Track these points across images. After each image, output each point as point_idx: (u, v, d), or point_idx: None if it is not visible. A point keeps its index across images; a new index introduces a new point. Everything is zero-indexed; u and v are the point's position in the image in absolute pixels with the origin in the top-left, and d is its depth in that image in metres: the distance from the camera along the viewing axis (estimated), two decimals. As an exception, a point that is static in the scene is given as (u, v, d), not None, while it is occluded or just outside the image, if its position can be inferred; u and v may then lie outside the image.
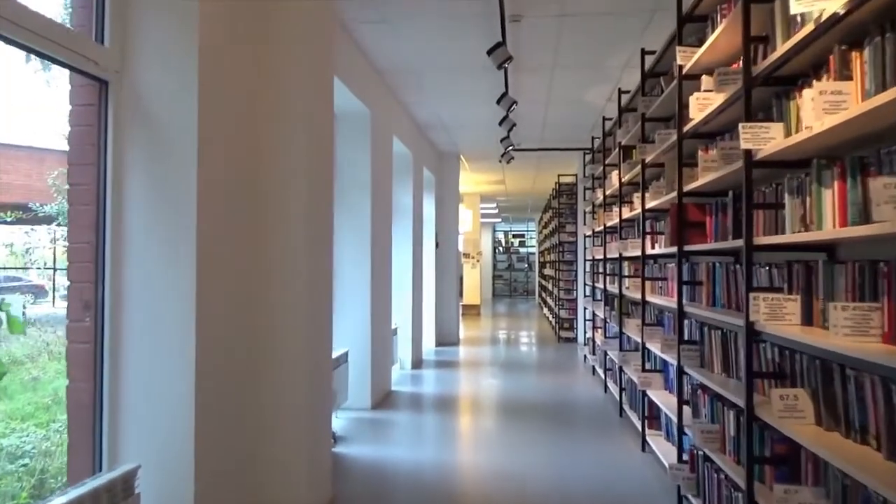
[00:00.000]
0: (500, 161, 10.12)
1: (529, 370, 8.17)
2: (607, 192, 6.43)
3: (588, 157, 8.72)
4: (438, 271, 10.27)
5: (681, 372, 3.53)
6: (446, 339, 10.46)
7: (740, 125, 2.45)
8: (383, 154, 6.37)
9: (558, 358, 9.15)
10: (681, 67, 3.51)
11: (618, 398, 5.75)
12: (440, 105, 7.34)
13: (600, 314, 7.13)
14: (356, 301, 5.75)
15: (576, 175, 10.77)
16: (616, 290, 5.92)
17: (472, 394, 6.88)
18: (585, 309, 8.54)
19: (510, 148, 7.90)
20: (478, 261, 16.76)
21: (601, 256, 7.17)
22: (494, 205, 18.24)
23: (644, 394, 4.55)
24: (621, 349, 5.61)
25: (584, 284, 8.70)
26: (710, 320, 3.36)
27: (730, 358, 3.11)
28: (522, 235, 26.60)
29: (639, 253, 4.80)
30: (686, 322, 3.63)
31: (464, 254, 16.69)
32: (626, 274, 5.64)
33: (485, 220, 23.00)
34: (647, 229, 4.66)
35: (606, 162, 6.55)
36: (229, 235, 3.05)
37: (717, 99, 3.04)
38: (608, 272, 6.68)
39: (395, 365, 7.72)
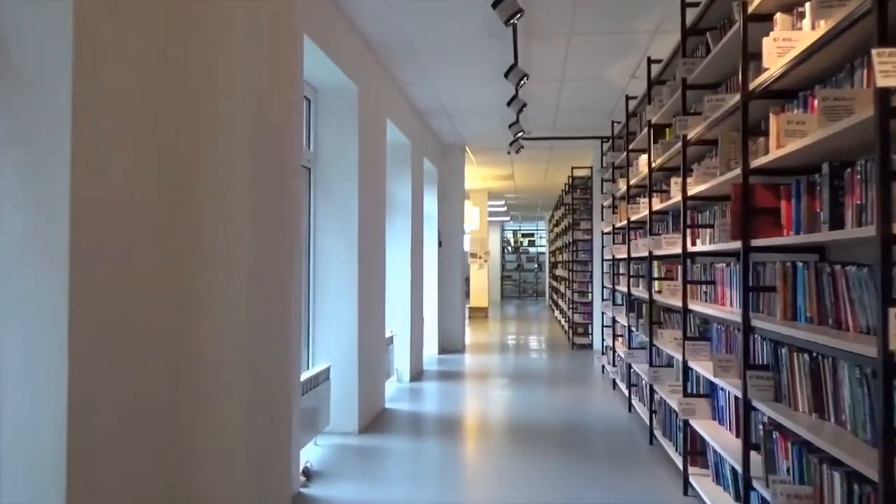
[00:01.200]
0: (509, 153, 9.28)
1: (542, 382, 7.33)
2: (632, 182, 5.59)
3: (607, 146, 7.87)
4: (442, 272, 9.45)
5: (748, 406, 2.69)
6: (451, 345, 9.63)
7: (874, 51, 1.62)
8: (374, 138, 5.55)
9: (573, 368, 8.30)
10: (745, 4, 2.67)
11: (647, 421, 4.91)
12: (441, 87, 6.52)
13: (622, 321, 6.28)
14: (341, 308, 4.94)
15: (591, 168, 9.92)
16: (644, 295, 5.08)
17: (478, 412, 6.04)
18: (603, 314, 7.71)
19: (519, 135, 7.06)
20: (485, 261, 15.92)
21: (623, 255, 6.33)
22: (503, 202, 17.40)
23: (686, 423, 3.71)
24: (651, 364, 4.77)
25: (602, 287, 7.87)
26: (791, 340, 2.52)
27: (824, 393, 2.27)
28: (532, 235, 25.73)
29: (678, 250, 3.96)
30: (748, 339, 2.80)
31: (470, 254, 15.86)
32: (658, 276, 4.79)
33: (493, 219, 22.16)
34: (690, 222, 3.82)
35: (631, 147, 5.70)
36: (132, 224, 2.24)
37: (807, 37, 2.20)
38: (633, 273, 5.83)
39: (392, 377, 6.91)
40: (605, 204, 7.68)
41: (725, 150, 3.06)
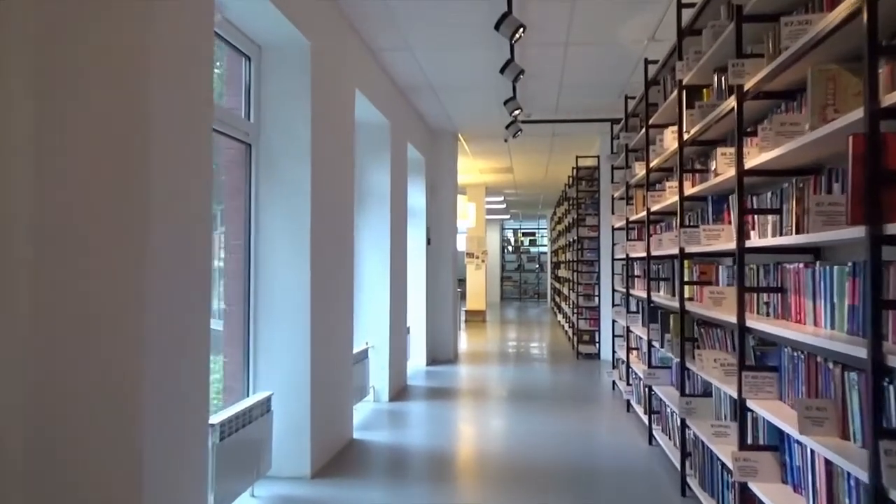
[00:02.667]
0: (506, 140, 8.27)
1: (544, 402, 6.29)
2: (653, 164, 4.56)
3: (618, 128, 6.83)
4: (431, 274, 8.42)
5: (880, 494, 1.65)
6: (441, 355, 8.61)
7: None
8: (337, 111, 4.53)
9: (579, 383, 7.27)
10: None
11: (675, 462, 3.89)
12: (424, 55, 5.50)
13: (639, 332, 5.26)
14: (289, 320, 3.91)
15: (597, 157, 8.89)
16: (670, 303, 4.06)
17: (466, 445, 5.01)
18: (614, 322, 6.69)
19: (517, 114, 6.03)
20: (483, 261, 14.89)
21: (640, 254, 5.31)
22: (502, 198, 16.37)
23: (743, 486, 2.68)
24: (683, 392, 3.73)
25: (612, 291, 6.85)
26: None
27: None
28: (533, 234, 24.71)
29: (727, 245, 2.94)
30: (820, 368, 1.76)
31: (467, 253, 14.85)
32: (692, 279, 3.77)
33: (492, 217, 21.14)
34: (749, 206, 2.80)
35: (652, 121, 4.68)
36: None
37: None
38: (654, 276, 4.81)
39: (368, 397, 5.89)
40: (616, 195, 6.65)
41: (820, 93, 2.03)
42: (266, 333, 3.90)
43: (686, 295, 3.80)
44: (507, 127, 6.79)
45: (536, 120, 7.47)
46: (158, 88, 2.28)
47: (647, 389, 4.86)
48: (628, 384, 5.76)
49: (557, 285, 14.89)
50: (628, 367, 5.74)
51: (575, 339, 9.51)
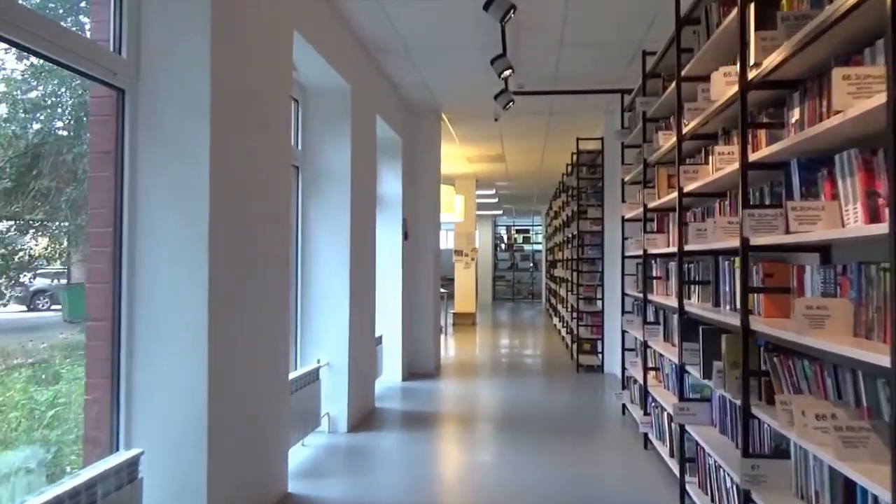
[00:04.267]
0: (496, 119, 7.12)
1: (540, 433, 5.12)
2: (689, 128, 3.40)
3: (629, 99, 5.64)
4: (409, 273, 7.25)
5: None
6: (420, 368, 7.44)
7: None
8: (257, 48, 3.34)
9: (581, 404, 6.10)
10: None
11: (729, 545, 2.73)
12: (392, 2, 4.33)
13: (661, 349, 4.11)
14: (178, 341, 2.72)
15: (601, 139, 7.72)
16: (718, 317, 2.90)
17: (444, 500, 3.84)
18: (624, 333, 5.54)
19: (507, 75, 4.87)
20: (472, 259, 13.71)
21: (665, 249, 4.17)
22: (493, 191, 15.19)
23: None
24: (746, 450, 2.56)
25: (622, 294, 5.69)
26: None
27: None
28: (527, 231, 23.55)
29: (831, 233, 1.79)
30: None
31: (455, 251, 13.68)
32: (758, 284, 2.60)
33: (484, 213, 20.00)
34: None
35: (686, 72, 3.51)
36: None
37: None
38: (689, 279, 3.65)
39: (321, 427, 4.72)
40: (627, 179, 5.50)
41: None
42: (146, 360, 2.71)
43: (753, 308, 2.64)
44: (496, 97, 5.63)
45: (532, 91, 6.30)
46: None
47: (676, 427, 3.71)
48: (646, 412, 4.59)
49: (553, 286, 13.73)
50: (646, 391, 4.58)
51: (574, 347, 8.35)
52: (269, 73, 3.39)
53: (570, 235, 9.46)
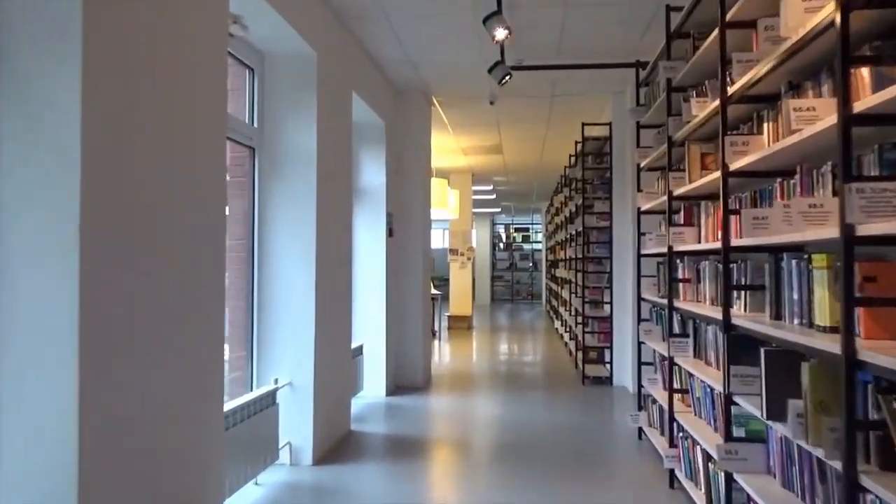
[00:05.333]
0: (492, 102, 6.33)
1: (545, 464, 4.32)
2: (734, 91, 2.60)
3: (644, 74, 4.83)
4: (394, 274, 6.46)
5: None
6: (407, 380, 6.64)
7: None
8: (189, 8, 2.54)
9: (590, 426, 5.29)
10: None
11: None
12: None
13: (688, 366, 3.33)
14: (36, 366, 1.93)
15: (609, 125, 6.93)
16: (786, 336, 2.10)
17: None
18: (641, 344, 4.75)
19: (502, 38, 4.07)
20: (469, 258, 12.91)
21: (696, 245, 3.40)
22: (491, 187, 14.39)
23: None
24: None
25: (637, 299, 4.89)
26: None
27: None
28: (527, 229, 22.75)
29: None
30: None
31: (450, 250, 12.90)
32: (857, 292, 1.81)
33: (481, 211, 19.22)
34: None
35: (732, 16, 2.71)
36: None
37: None
38: (739, 282, 2.85)
39: (281, 460, 3.94)
40: (644, 165, 4.71)
41: None
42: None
43: (821, 321, 1.86)
44: (490, 70, 4.84)
45: (532, 66, 5.50)
46: None
47: (717, 471, 2.91)
48: (671, 444, 3.80)
49: (554, 287, 12.94)
50: (671, 418, 3.78)
51: (579, 355, 7.56)
52: (180, 17, 2.59)
53: (573, 233, 8.66)
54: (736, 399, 2.66)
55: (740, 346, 2.64)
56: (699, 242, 3.53)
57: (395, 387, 6.50)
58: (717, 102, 2.85)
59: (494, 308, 18.55)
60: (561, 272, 11.17)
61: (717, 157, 3.15)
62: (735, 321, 2.72)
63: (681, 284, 3.81)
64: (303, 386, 4.11)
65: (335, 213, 4.59)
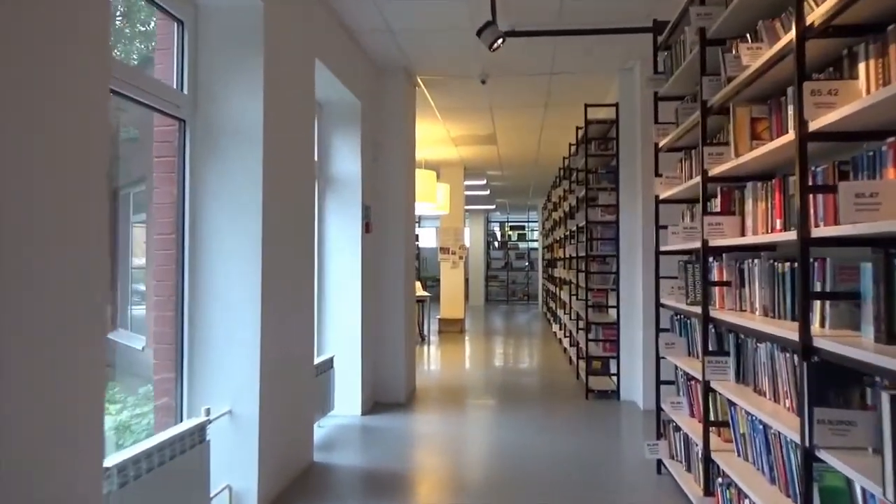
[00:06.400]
0: (484, 81, 5.57)
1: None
2: (814, 19, 1.82)
3: (663, 37, 4.02)
4: (372, 275, 5.67)
5: None
6: (387, 396, 5.85)
7: None
8: None
9: (599, 455, 4.50)
10: None
11: None
12: None
13: (731, 394, 2.55)
14: None
15: (616, 105, 6.14)
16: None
17: None
18: (660, 359, 3.97)
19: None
20: (461, 257, 12.11)
21: (740, 239, 2.62)
22: (484, 182, 13.60)
23: None
24: None
25: (657, 305, 4.11)
26: None
27: None
28: (522, 227, 21.96)
29: None
30: None
31: (441, 248, 12.11)
32: None
33: (475, 207, 18.44)
34: None
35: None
36: None
37: None
38: (813, 288, 2.07)
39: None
40: (663, 145, 3.93)
41: None
42: None
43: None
44: (479, 32, 4.06)
45: (529, 31, 4.71)
46: None
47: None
48: (707, 491, 3.01)
49: (552, 287, 12.15)
50: (708, 458, 2.99)
51: (580, 365, 6.78)
52: None
53: (574, 228, 7.88)
54: (818, 453, 1.88)
55: (831, 380, 1.86)
56: (743, 235, 2.76)
57: (374, 403, 5.71)
58: (787, 38, 2.06)
59: (489, 309, 17.76)
60: (559, 272, 10.38)
61: (776, 120, 2.37)
62: (818, 343, 1.93)
63: (716, 290, 3.03)
64: (245, 414, 3.31)
65: (292, 203, 3.79)
